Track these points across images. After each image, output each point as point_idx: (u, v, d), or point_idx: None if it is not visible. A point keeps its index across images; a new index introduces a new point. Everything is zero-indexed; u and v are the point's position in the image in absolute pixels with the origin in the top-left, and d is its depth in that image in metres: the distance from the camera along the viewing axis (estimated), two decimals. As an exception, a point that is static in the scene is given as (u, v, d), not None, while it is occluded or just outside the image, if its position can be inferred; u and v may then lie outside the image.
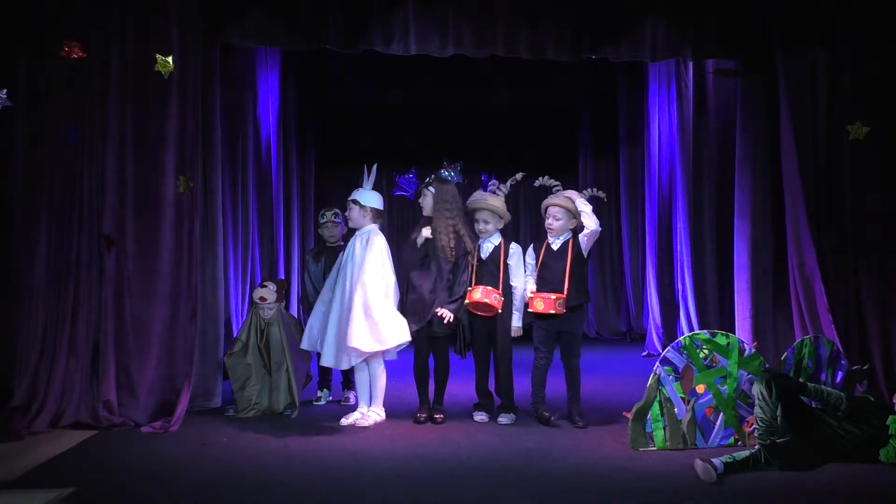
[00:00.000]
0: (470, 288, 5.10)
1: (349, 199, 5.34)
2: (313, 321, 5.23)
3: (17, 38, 5.06)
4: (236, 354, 5.45)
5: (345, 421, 5.13)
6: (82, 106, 5.16)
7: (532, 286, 5.16)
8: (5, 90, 4.59)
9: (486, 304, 5.04)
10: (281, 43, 6.00)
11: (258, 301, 5.56)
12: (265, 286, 5.62)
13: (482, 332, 5.21)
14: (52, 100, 5.09)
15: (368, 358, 5.12)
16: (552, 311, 4.99)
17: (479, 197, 5.32)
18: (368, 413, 5.19)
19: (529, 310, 5.08)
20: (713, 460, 3.98)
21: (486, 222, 5.22)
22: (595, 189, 5.43)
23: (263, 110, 7.88)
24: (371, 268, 5.07)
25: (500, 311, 5.09)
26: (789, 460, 4.11)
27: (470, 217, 5.33)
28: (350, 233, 5.45)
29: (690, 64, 7.77)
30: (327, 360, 5.12)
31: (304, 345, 5.24)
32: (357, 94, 9.97)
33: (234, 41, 5.77)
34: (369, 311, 4.99)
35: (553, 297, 4.99)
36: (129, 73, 5.22)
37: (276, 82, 8.29)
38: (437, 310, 5.08)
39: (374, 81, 9.84)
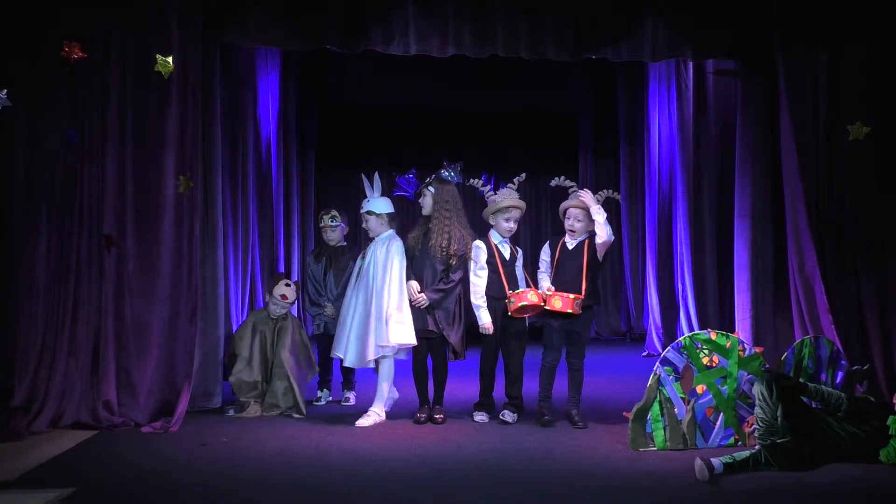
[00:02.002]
0: (520, 290, 5.09)
1: (363, 211, 5.44)
2: (343, 326, 5.33)
3: (17, 39, 5.06)
4: (241, 373, 5.45)
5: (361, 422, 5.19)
6: (82, 106, 5.15)
7: (547, 283, 5.16)
8: (5, 90, 4.60)
9: (541, 307, 5.07)
10: (281, 43, 6.00)
11: (279, 298, 5.56)
12: (288, 284, 5.65)
13: (494, 331, 5.20)
14: (52, 100, 5.09)
15: (380, 357, 5.20)
16: (570, 311, 5.01)
17: (510, 194, 5.29)
18: (369, 412, 5.22)
19: (546, 307, 5.05)
20: (713, 460, 3.98)
21: (516, 221, 5.28)
22: (610, 190, 5.43)
23: (263, 110, 7.88)
24: (397, 272, 5.20)
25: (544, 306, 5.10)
26: (790, 460, 4.11)
27: (471, 218, 5.36)
28: (351, 235, 5.48)
29: (690, 64, 7.78)
30: (350, 361, 5.23)
31: (335, 349, 5.35)
32: (357, 94, 9.98)
33: (234, 41, 5.77)
34: (399, 309, 5.13)
35: (572, 296, 5.01)
36: (129, 73, 5.22)
37: (276, 82, 8.29)
38: (413, 293, 5.09)
39: (374, 81, 9.86)
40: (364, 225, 5.50)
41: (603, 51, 5.90)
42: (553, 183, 5.32)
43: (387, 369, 5.27)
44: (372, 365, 5.24)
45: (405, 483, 3.88)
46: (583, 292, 5.07)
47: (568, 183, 5.29)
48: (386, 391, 5.29)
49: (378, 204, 5.42)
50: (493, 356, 5.30)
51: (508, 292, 5.14)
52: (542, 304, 5.06)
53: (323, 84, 9.86)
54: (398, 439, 4.76)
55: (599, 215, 5.13)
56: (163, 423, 5.01)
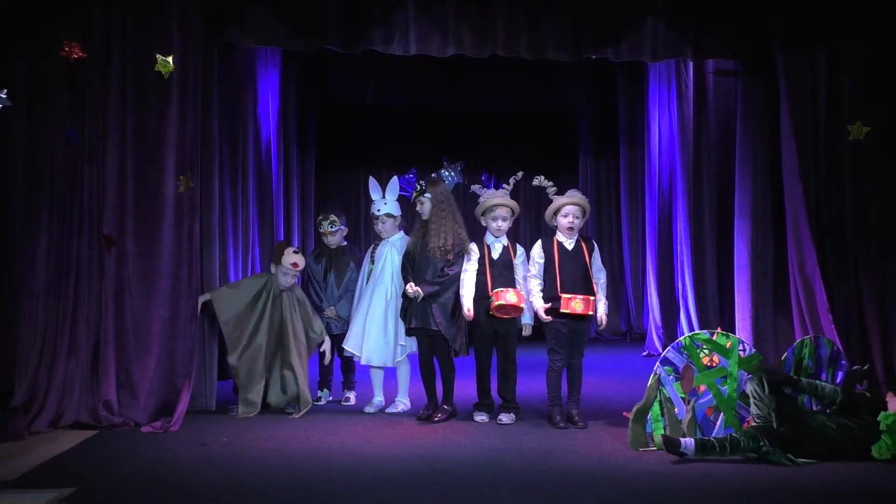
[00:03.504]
0: (499, 290, 5.07)
1: (381, 214, 5.59)
2: (358, 326, 5.48)
3: (17, 38, 5.06)
4: (244, 358, 5.39)
5: (369, 409, 5.54)
6: (82, 106, 5.15)
7: (538, 286, 5.14)
8: (5, 90, 4.60)
9: (521, 308, 5.08)
10: (281, 43, 6.00)
11: (289, 267, 5.46)
12: (297, 251, 5.57)
13: (487, 331, 5.21)
14: (52, 100, 5.09)
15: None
16: (590, 313, 5.03)
17: (494, 194, 5.28)
18: (396, 402, 5.57)
19: (564, 310, 5.00)
20: (683, 440, 4.09)
21: (504, 220, 5.24)
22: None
23: (263, 110, 7.88)
24: None
25: (524, 308, 5.12)
26: (775, 440, 4.10)
27: (460, 215, 5.37)
28: (351, 235, 5.50)
29: (690, 64, 7.77)
30: (378, 360, 5.43)
31: (350, 347, 5.48)
32: (357, 94, 9.97)
33: (235, 41, 5.76)
34: None
35: (592, 298, 5.03)
36: (129, 73, 5.22)
37: (276, 82, 8.29)
38: (407, 287, 5.15)
39: (374, 81, 9.85)
40: (379, 226, 5.62)
41: (603, 51, 5.90)
42: (535, 182, 5.28)
43: (406, 367, 5.58)
44: (397, 359, 5.48)
45: (405, 483, 3.87)
46: (595, 293, 5.09)
47: (547, 184, 5.26)
48: (407, 382, 5.61)
49: (396, 207, 5.63)
50: (486, 356, 5.29)
51: (491, 292, 5.13)
52: (521, 305, 5.06)
53: (323, 84, 9.85)
54: (398, 439, 4.76)
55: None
56: (163, 423, 5.01)
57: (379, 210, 5.60)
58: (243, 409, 5.39)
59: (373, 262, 5.62)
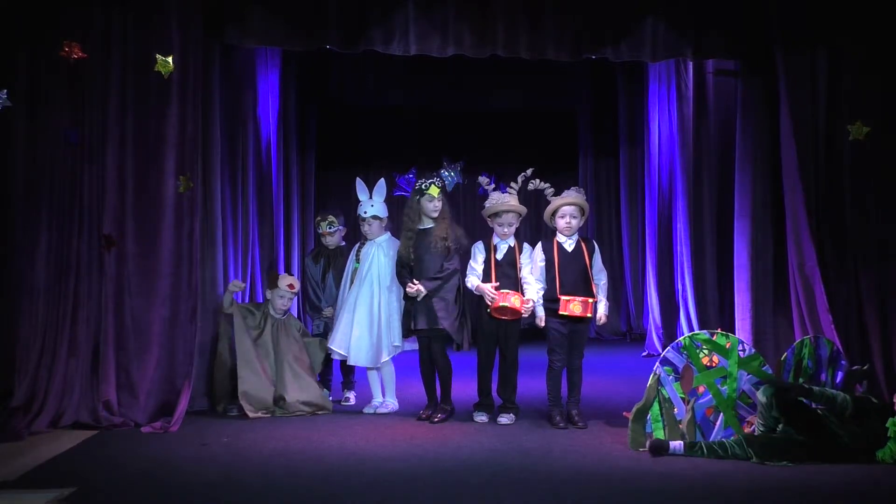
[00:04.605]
0: (505, 291, 5.06)
1: (367, 216, 5.55)
2: (345, 326, 5.44)
3: (17, 38, 5.07)
4: (252, 386, 5.35)
5: (368, 409, 5.52)
6: (82, 106, 5.16)
7: (538, 290, 5.13)
8: (5, 90, 4.61)
9: (520, 312, 5.09)
10: (281, 43, 5.99)
11: (286, 289, 5.54)
12: (291, 275, 5.71)
13: (489, 331, 5.21)
14: (52, 100, 5.09)
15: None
16: (588, 315, 5.04)
17: (501, 199, 5.24)
18: (386, 402, 5.55)
19: (563, 312, 5.00)
20: (672, 444, 4.18)
21: (511, 224, 5.22)
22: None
23: (263, 110, 7.87)
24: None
25: (523, 314, 5.12)
26: (768, 454, 4.10)
27: (473, 217, 5.36)
28: (350, 235, 5.49)
29: (690, 64, 7.77)
30: (363, 361, 5.41)
31: (336, 346, 5.45)
32: (357, 94, 9.98)
33: (235, 41, 5.76)
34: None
35: (591, 300, 5.03)
36: (129, 73, 5.22)
37: (276, 82, 8.28)
38: (408, 287, 5.15)
39: (374, 81, 9.85)
40: (365, 228, 5.59)
41: (603, 51, 5.90)
42: (531, 186, 5.25)
43: (390, 368, 5.54)
44: (383, 360, 5.44)
45: (405, 483, 3.88)
46: (594, 294, 5.08)
47: (544, 185, 5.25)
48: (393, 381, 5.60)
49: (383, 208, 5.60)
50: (488, 356, 5.29)
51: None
52: (522, 311, 5.06)
53: (323, 84, 9.85)
54: (398, 439, 4.77)
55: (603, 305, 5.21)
56: (163, 423, 5.01)
57: (366, 212, 5.56)
58: (258, 408, 5.35)
59: (358, 261, 5.59)
